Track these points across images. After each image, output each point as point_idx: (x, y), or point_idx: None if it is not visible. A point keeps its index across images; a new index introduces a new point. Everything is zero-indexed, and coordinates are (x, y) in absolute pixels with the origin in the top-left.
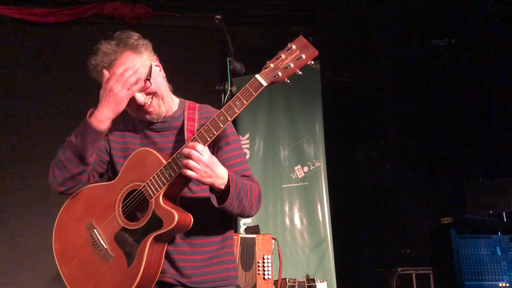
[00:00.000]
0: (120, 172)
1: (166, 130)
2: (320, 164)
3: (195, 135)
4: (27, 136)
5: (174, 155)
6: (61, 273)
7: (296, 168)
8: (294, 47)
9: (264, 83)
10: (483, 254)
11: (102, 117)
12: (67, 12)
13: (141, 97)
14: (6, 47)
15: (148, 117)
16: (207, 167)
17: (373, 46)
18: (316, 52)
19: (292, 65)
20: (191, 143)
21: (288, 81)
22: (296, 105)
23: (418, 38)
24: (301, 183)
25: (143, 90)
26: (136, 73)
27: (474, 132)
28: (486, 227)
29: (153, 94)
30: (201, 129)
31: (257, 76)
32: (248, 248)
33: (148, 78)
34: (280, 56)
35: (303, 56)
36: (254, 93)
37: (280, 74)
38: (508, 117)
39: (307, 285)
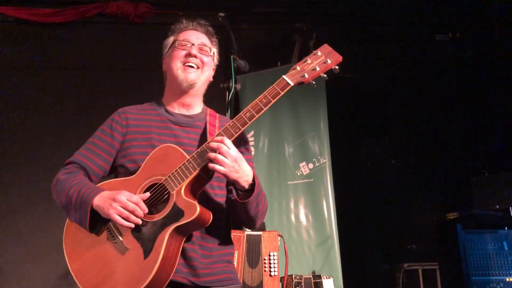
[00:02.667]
0: (141, 168)
1: (189, 127)
2: (325, 160)
3: (221, 131)
4: (32, 135)
5: (199, 149)
6: (69, 268)
7: (301, 165)
8: (319, 53)
9: (291, 83)
10: (490, 249)
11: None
12: (70, 12)
13: (196, 51)
14: (10, 47)
15: (181, 74)
16: (234, 161)
17: (377, 42)
18: (341, 58)
19: (318, 68)
20: (218, 137)
21: (314, 83)
22: (301, 102)
23: (422, 33)
24: (306, 180)
25: (201, 51)
26: (136, 211)
27: (479, 127)
28: (492, 222)
29: (203, 64)
30: (227, 125)
31: (284, 76)
32: (254, 245)
33: (210, 48)
34: (307, 60)
35: (329, 60)
36: (281, 92)
37: (306, 75)
38: None
39: (313, 282)
